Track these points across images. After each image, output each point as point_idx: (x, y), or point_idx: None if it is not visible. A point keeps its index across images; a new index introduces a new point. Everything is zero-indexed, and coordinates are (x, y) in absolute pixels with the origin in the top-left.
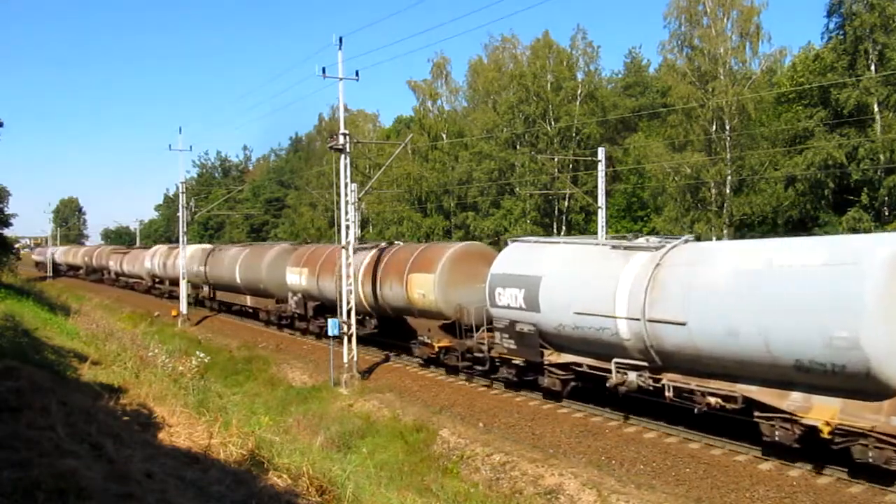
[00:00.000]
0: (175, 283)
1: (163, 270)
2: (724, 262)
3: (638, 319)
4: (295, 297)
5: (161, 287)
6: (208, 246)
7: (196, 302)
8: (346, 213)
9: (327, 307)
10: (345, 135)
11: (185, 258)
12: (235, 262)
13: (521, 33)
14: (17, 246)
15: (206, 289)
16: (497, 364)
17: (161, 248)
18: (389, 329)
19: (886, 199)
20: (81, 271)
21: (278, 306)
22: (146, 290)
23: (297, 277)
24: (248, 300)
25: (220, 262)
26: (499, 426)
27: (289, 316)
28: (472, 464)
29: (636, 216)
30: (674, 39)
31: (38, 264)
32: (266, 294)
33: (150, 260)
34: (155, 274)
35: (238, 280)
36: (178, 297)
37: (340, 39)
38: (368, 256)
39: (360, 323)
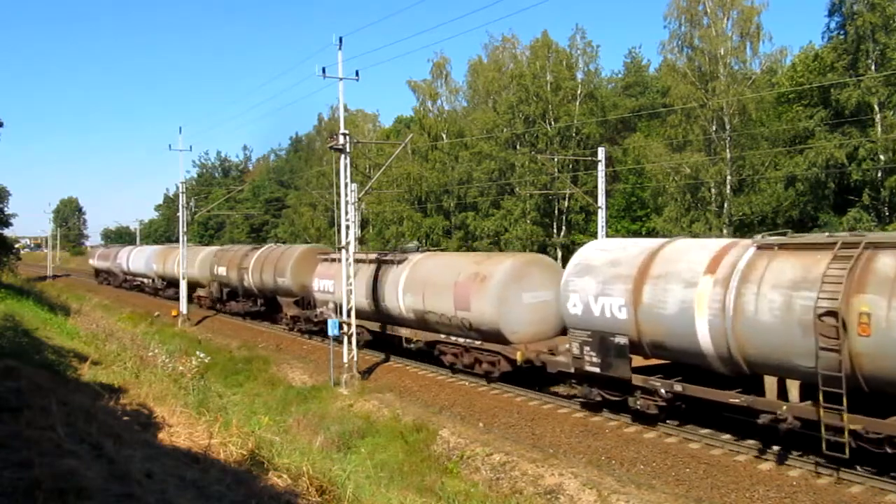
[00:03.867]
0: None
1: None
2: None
3: None
4: None
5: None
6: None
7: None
8: (346, 213)
9: None
10: (345, 135)
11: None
12: None
13: (520, 33)
14: (17, 246)
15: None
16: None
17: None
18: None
19: (887, 199)
20: (203, 291)
21: None
22: (399, 348)
23: None
24: None
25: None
26: (499, 426)
27: None
28: (472, 464)
29: (636, 216)
30: (674, 39)
31: (99, 273)
32: None
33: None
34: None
35: None
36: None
37: (340, 39)
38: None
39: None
